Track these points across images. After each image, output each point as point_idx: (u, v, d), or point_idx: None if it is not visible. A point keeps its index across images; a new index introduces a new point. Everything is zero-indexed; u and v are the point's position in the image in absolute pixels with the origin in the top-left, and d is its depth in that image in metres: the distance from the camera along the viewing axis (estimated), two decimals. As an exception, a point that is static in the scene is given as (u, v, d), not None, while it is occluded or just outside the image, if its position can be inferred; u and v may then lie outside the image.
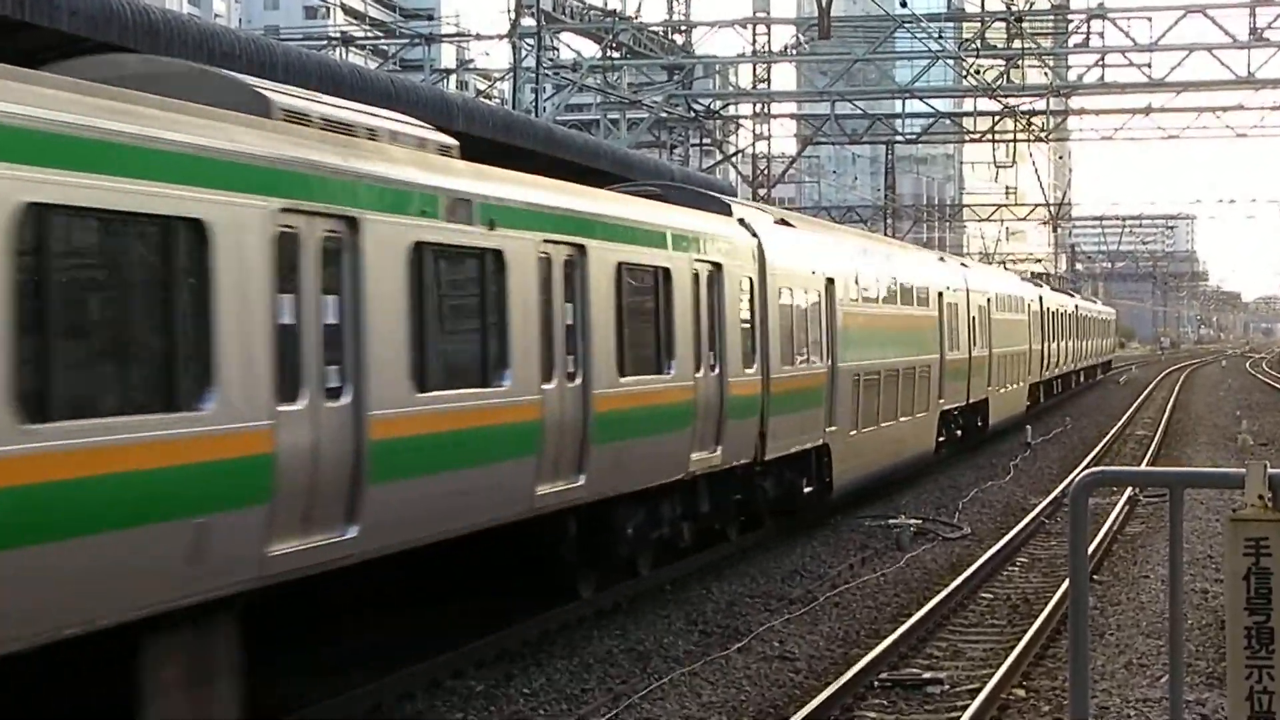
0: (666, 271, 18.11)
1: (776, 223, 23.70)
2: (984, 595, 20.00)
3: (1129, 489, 27.66)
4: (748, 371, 20.68)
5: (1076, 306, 64.70)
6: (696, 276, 19.08)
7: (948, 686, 15.00)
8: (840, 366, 25.00)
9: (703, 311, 19.17)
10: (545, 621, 16.71)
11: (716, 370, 19.55)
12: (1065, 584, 17.57)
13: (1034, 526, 25.58)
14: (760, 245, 21.48)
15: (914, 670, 15.66)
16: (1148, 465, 33.83)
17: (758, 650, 16.39)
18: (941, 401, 33.10)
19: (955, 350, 34.89)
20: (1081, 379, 69.90)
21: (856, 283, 26.73)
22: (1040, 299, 50.94)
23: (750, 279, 21.05)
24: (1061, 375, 59.24)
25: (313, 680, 13.99)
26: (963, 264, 40.64)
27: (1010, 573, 21.83)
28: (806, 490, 23.64)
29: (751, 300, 21.05)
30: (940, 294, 33.59)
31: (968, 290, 36.73)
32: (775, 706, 14.21)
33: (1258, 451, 37.14)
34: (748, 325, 20.79)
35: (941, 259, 37.98)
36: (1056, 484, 30.70)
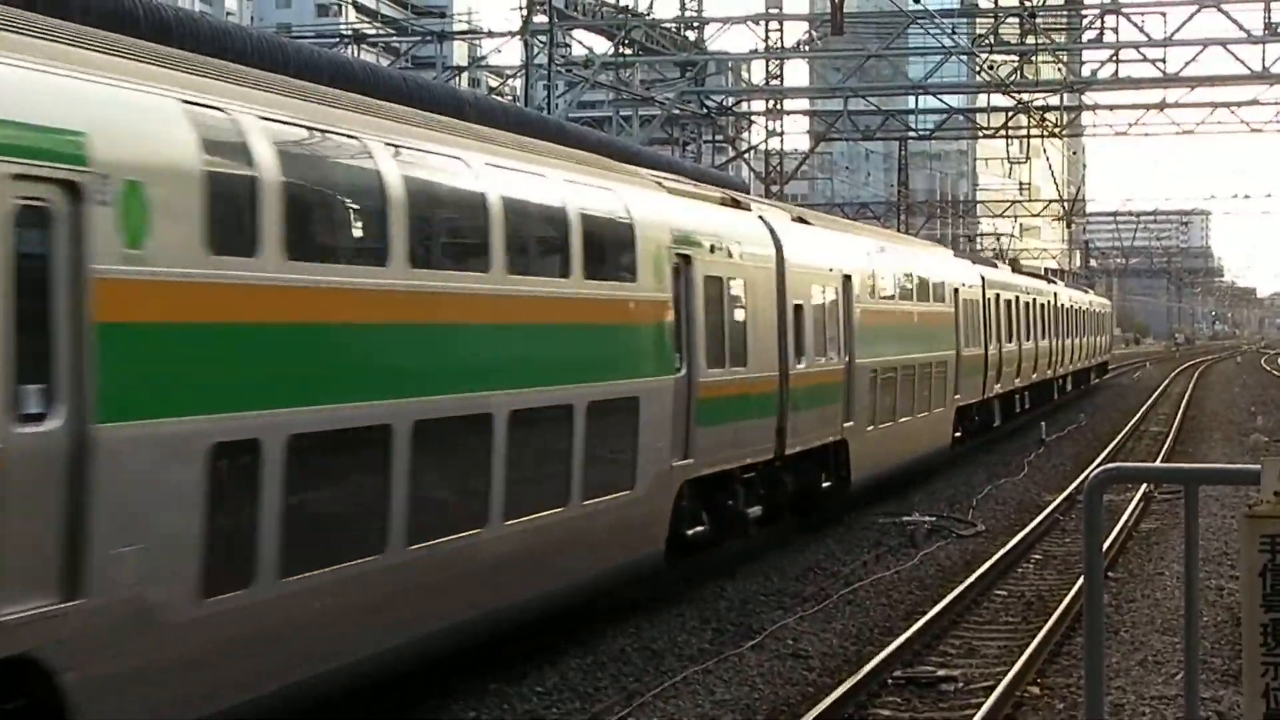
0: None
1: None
2: (998, 592, 19.97)
3: (1144, 486, 27.62)
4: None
5: (1055, 296, 52.51)
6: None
7: (962, 684, 14.98)
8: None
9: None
10: (558, 620, 16.70)
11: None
12: (1080, 581, 17.53)
13: (1048, 523, 25.53)
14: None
15: (928, 668, 15.64)
16: (1162, 462, 33.74)
17: (771, 648, 16.37)
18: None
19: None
20: (1066, 387, 57.98)
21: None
22: (981, 282, 37.00)
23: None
24: (1031, 386, 46.24)
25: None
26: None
27: (1024, 570, 21.80)
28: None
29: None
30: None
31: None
32: (789, 704, 14.19)
33: (1273, 448, 37.04)
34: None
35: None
36: (1070, 481, 30.64)
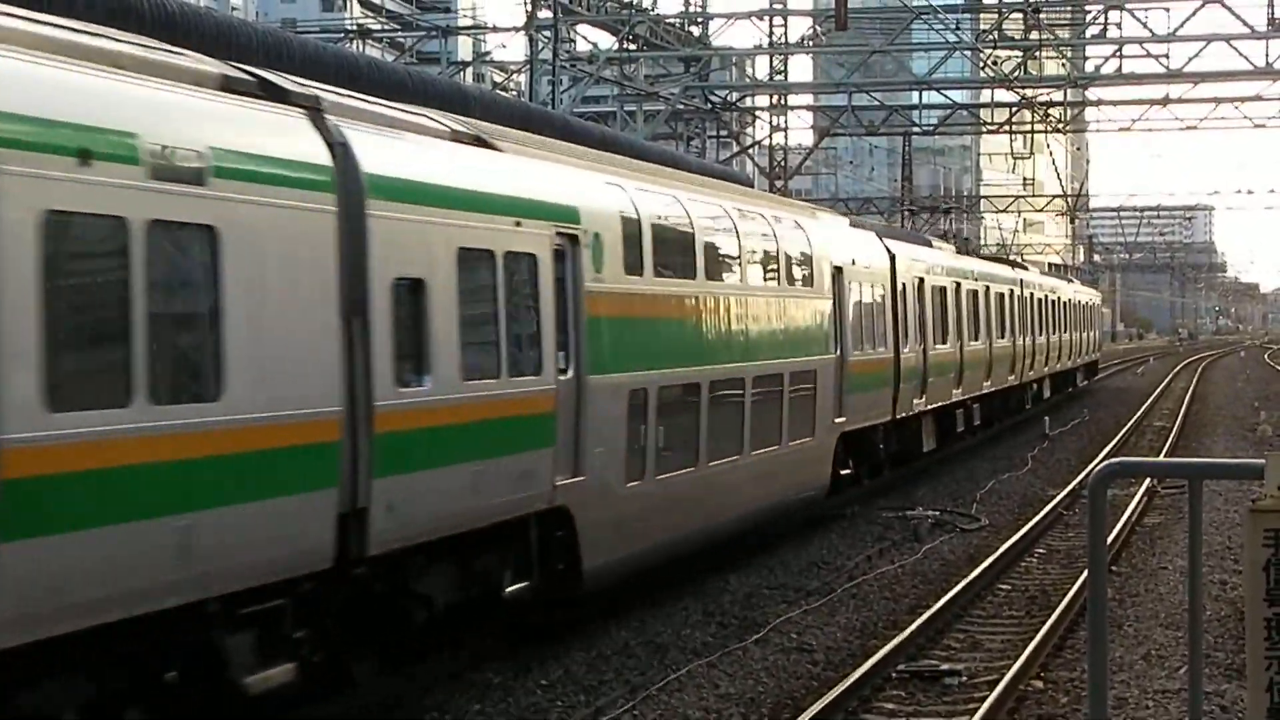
0: None
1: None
2: (1002, 586, 19.99)
3: (1147, 480, 27.63)
4: None
5: (1021, 284, 43.76)
6: None
7: (966, 678, 15.00)
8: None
9: None
10: (562, 615, 16.72)
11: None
12: (1083, 575, 17.56)
13: (1052, 517, 25.54)
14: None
15: (932, 661, 15.66)
16: (1166, 456, 33.76)
17: (775, 642, 16.39)
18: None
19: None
20: (1044, 393, 49.26)
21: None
22: (890, 262, 28.52)
23: None
24: (985, 398, 37.71)
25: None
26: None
27: (1028, 564, 21.82)
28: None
29: None
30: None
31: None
32: (793, 698, 14.21)
33: (1276, 442, 37.05)
34: None
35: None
36: (1074, 475, 30.66)
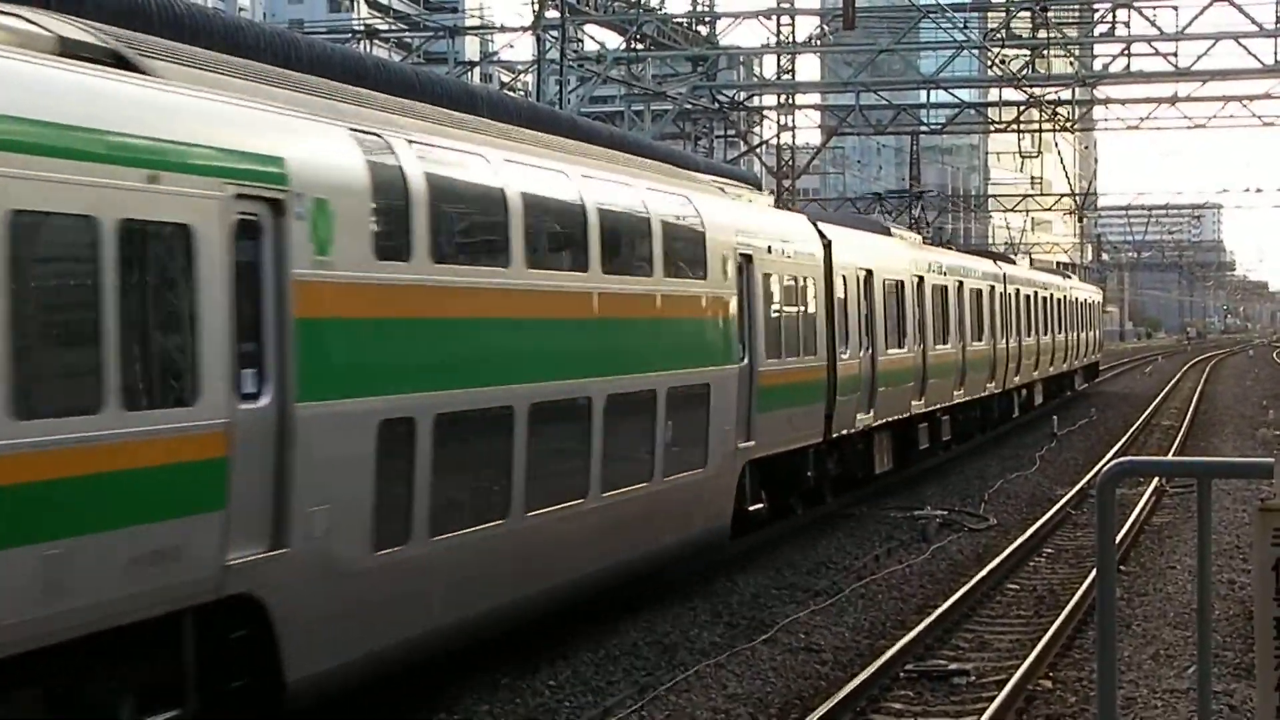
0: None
1: None
2: (1010, 586, 19.97)
3: (1155, 479, 27.60)
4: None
5: (1003, 279, 39.54)
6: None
7: (974, 678, 14.99)
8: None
9: None
10: (571, 614, 16.71)
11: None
12: (1092, 575, 17.54)
13: (1060, 517, 25.52)
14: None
15: (940, 661, 15.64)
16: (1174, 455, 33.72)
17: (784, 642, 16.38)
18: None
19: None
20: (1035, 399, 46.13)
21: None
22: (824, 250, 23.88)
23: None
24: (956, 408, 33.49)
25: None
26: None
27: (1036, 564, 21.80)
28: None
29: None
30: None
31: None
32: (801, 698, 14.20)
33: (1278, 443, 37.04)
34: None
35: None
36: (1082, 474, 30.63)
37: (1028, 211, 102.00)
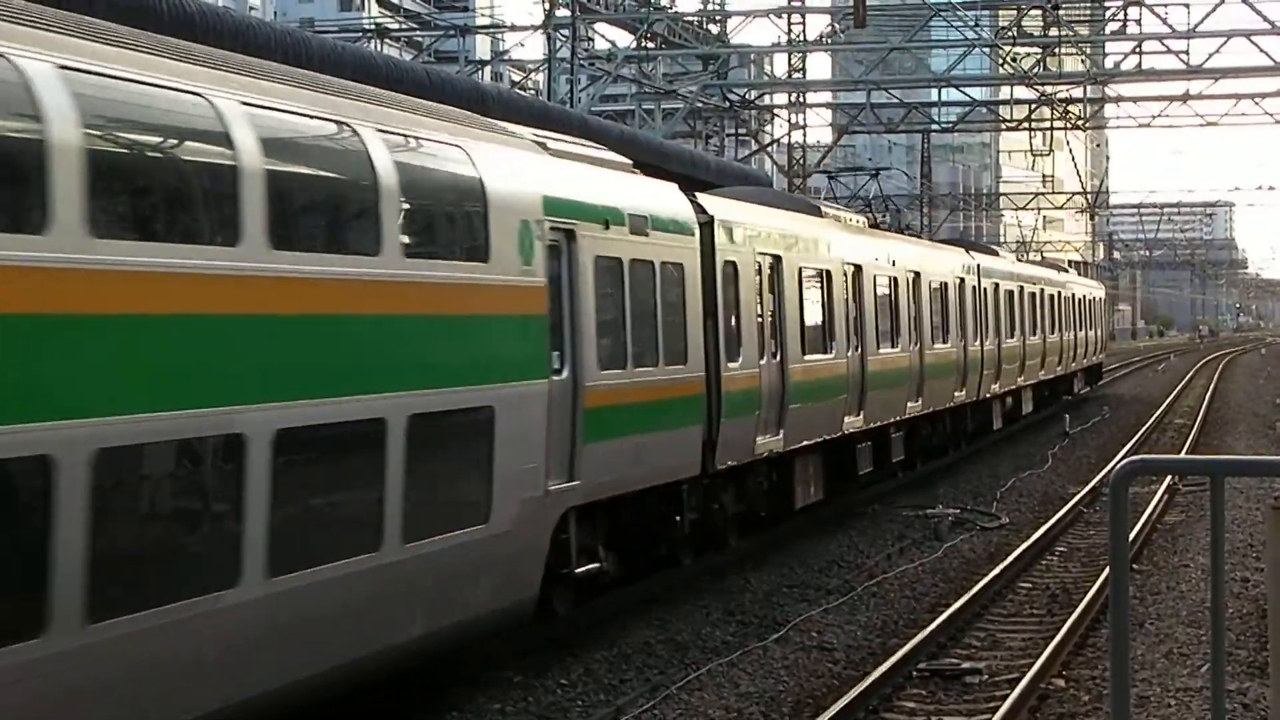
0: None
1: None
2: (1022, 585, 19.95)
3: (1168, 478, 27.56)
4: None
5: (976, 270, 34.13)
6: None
7: (986, 676, 14.96)
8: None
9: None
10: (583, 613, 16.70)
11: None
12: (1104, 573, 17.52)
13: (1072, 516, 25.48)
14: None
15: (953, 660, 15.62)
16: (1187, 454, 33.67)
17: (796, 641, 16.37)
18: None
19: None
20: (1024, 405, 41.11)
21: None
22: (705, 230, 18.79)
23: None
24: (909, 421, 28.07)
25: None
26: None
27: (1049, 562, 21.76)
28: None
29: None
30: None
31: None
32: (814, 697, 14.19)
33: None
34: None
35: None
36: (1095, 473, 30.59)
37: (1039, 210, 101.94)
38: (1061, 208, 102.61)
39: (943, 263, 31.51)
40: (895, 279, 27.14)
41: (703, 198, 19.36)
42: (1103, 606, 16.92)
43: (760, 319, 20.34)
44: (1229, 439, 38.57)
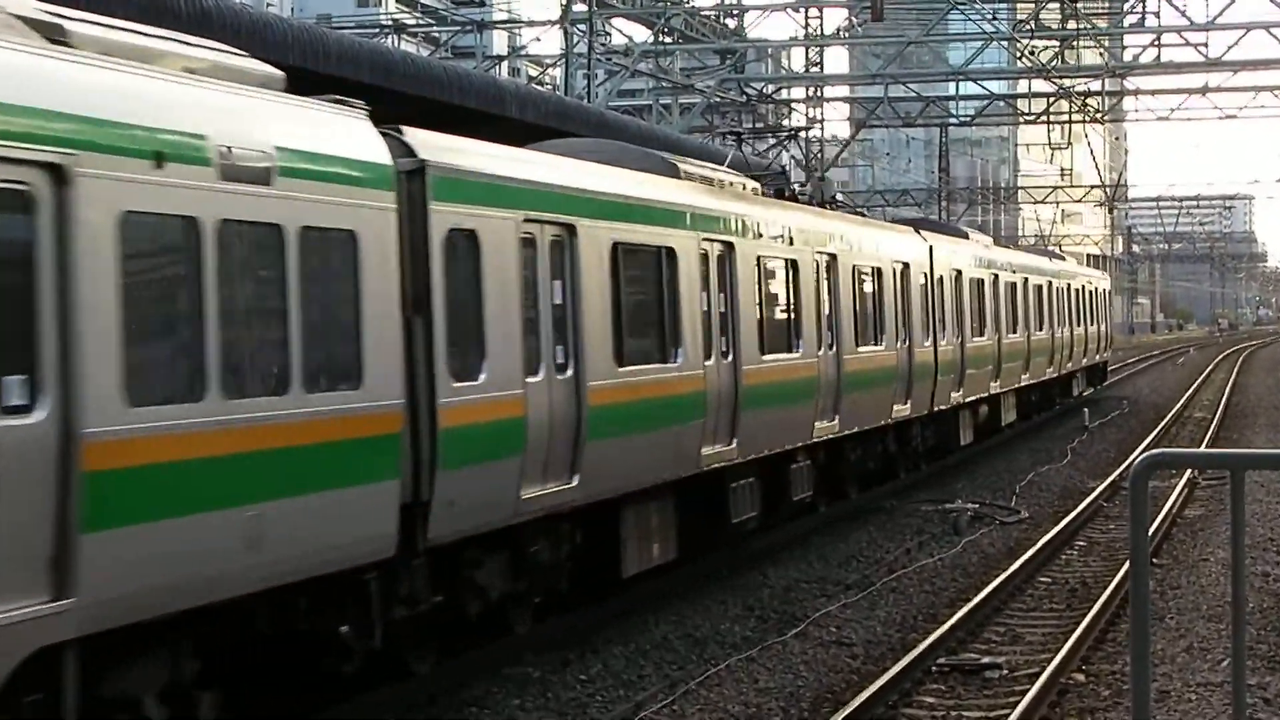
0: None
1: None
2: (1042, 579, 19.90)
3: (1188, 472, 27.48)
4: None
5: (930, 252, 28.74)
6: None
7: (1006, 671, 14.93)
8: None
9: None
10: (601, 609, 16.70)
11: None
12: (1124, 568, 17.47)
13: (1092, 510, 25.42)
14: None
15: (972, 655, 15.59)
16: (1207, 447, 33.57)
17: (814, 636, 16.34)
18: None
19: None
20: (1005, 414, 36.02)
21: None
22: (405, 171, 12.41)
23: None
24: (835, 442, 23.04)
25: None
26: None
27: (1069, 556, 21.71)
28: None
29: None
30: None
31: None
32: (833, 692, 14.16)
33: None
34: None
35: None
36: (1114, 467, 30.52)
37: (1058, 203, 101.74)
38: (1080, 201, 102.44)
39: (880, 245, 25.74)
40: (794, 261, 21.20)
41: (416, 135, 12.97)
42: (1123, 601, 16.87)
43: (529, 317, 14.21)
44: (1249, 433, 38.47)
